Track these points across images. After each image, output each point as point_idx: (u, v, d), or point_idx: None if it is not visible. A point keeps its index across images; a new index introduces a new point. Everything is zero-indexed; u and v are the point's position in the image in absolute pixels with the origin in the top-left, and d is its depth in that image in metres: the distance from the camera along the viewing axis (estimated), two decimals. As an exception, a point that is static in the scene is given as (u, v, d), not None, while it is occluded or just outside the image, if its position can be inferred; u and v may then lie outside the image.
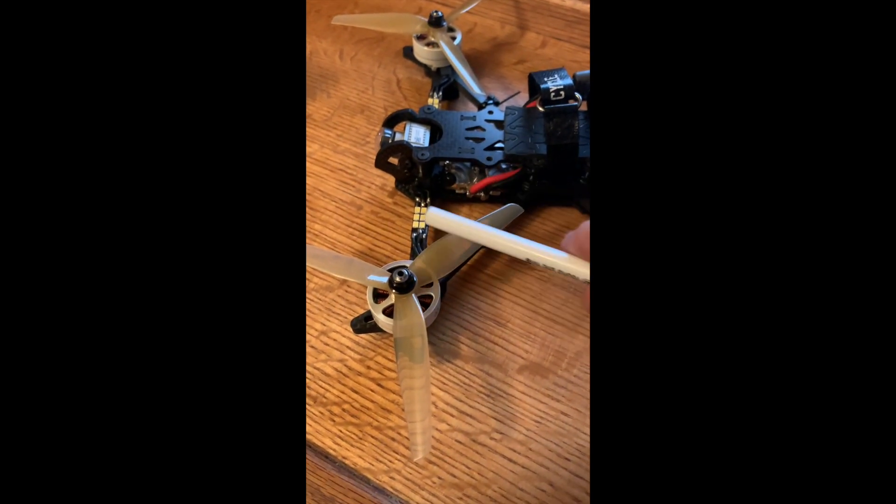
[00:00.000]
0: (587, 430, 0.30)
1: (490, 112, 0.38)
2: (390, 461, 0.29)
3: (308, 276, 0.36)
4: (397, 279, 0.30)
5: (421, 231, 0.35)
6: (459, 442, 0.30)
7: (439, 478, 0.29)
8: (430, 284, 0.31)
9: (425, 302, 0.31)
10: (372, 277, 0.31)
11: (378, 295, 0.31)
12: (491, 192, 0.37)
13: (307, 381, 0.32)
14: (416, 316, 0.29)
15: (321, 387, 0.32)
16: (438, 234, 0.38)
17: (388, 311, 0.30)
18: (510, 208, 0.34)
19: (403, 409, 0.29)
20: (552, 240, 0.37)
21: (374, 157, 0.37)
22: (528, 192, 0.37)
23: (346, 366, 0.33)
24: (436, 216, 0.27)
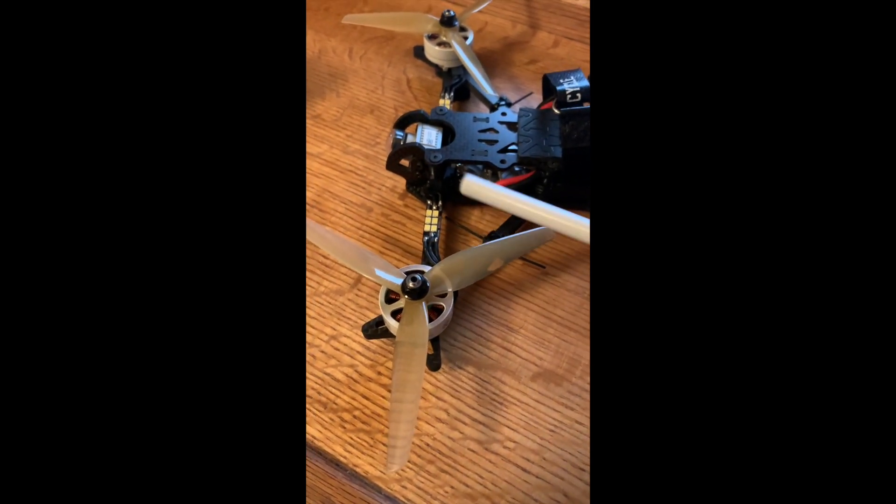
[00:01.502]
0: (602, 440, 0.29)
1: (503, 114, 0.38)
2: (402, 470, 0.29)
3: (318, 278, 0.36)
4: (410, 284, 0.29)
5: (433, 235, 0.35)
6: (472, 451, 0.29)
7: (452, 487, 0.28)
8: (445, 294, 0.30)
9: (438, 307, 0.30)
10: (383, 275, 0.30)
11: (390, 297, 0.31)
12: (504, 196, 0.37)
13: (317, 386, 0.32)
14: (421, 325, 0.29)
15: (331, 392, 0.31)
16: (450, 237, 0.37)
17: (398, 315, 0.30)
18: (541, 232, 0.32)
19: (388, 415, 0.28)
20: (566, 244, 0.37)
21: (385, 159, 0.37)
22: (541, 195, 0.36)
23: (356, 371, 0.32)
24: (472, 184, 0.25)
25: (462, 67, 0.43)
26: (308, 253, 0.37)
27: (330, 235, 0.32)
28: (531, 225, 0.37)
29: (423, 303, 0.29)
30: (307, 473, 0.30)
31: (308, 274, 0.36)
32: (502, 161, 0.35)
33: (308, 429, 0.30)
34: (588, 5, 0.49)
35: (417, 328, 0.28)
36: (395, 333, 0.31)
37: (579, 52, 0.48)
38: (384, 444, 0.30)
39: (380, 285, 0.31)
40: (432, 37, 0.44)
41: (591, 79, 0.36)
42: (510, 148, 0.36)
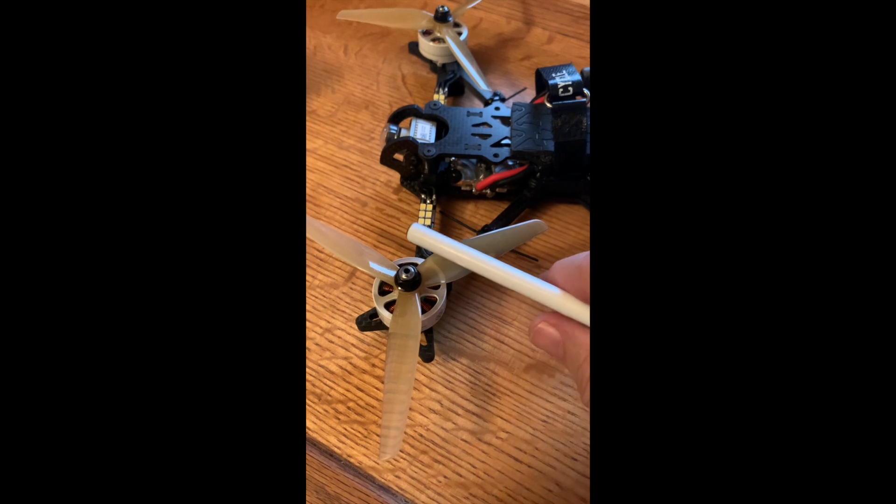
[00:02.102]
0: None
1: (497, 108, 0.38)
2: (396, 460, 0.29)
3: (313, 272, 0.36)
4: (403, 276, 0.29)
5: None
6: (465, 441, 0.29)
7: (445, 476, 0.29)
8: (438, 286, 0.31)
9: (431, 299, 0.30)
10: (377, 268, 0.30)
11: (383, 289, 0.31)
12: (497, 189, 0.37)
13: (312, 378, 0.32)
14: (414, 316, 0.29)
15: (326, 384, 0.32)
16: (444, 231, 0.37)
17: (391, 307, 0.30)
18: (534, 224, 0.32)
19: (382, 405, 0.28)
20: (558, 237, 0.37)
21: (379, 154, 0.37)
22: (534, 189, 0.36)
23: (350, 363, 0.32)
24: (420, 234, 0.24)
25: (456, 63, 0.43)
26: (303, 247, 0.37)
27: (325, 229, 0.32)
28: (522, 220, 0.37)
29: (416, 294, 0.29)
30: (301, 464, 0.30)
31: (303, 267, 0.36)
32: (495, 155, 0.36)
33: (302, 420, 0.31)
34: (582, 2, 0.50)
35: (410, 319, 0.29)
36: (388, 325, 0.31)
37: (574, 49, 0.49)
38: (378, 435, 0.30)
39: (374, 278, 0.31)
40: (426, 32, 0.45)
41: (591, 71, 0.36)
42: (503, 142, 0.36)
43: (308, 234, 0.31)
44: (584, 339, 0.23)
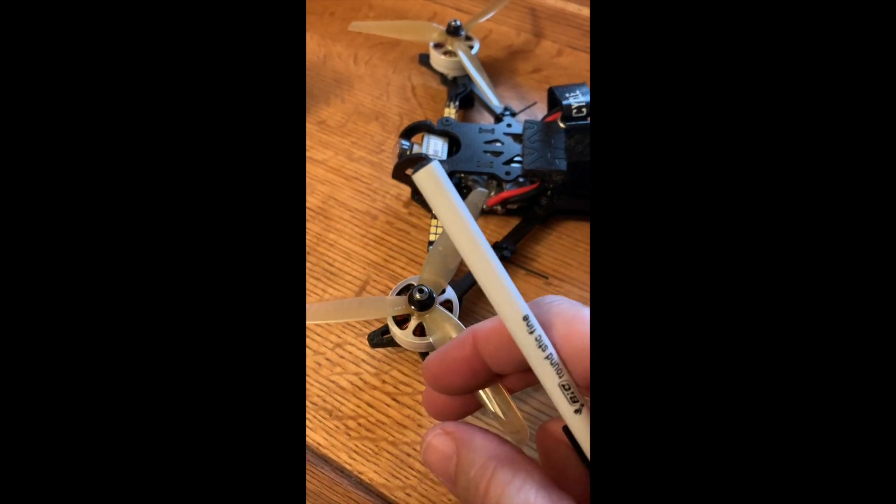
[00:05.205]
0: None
1: (508, 125, 0.38)
2: (406, 477, 0.29)
3: (324, 286, 0.36)
4: (417, 296, 0.29)
5: (438, 244, 0.35)
6: (475, 459, 0.30)
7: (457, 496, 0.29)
8: (444, 291, 0.31)
9: (447, 307, 0.31)
10: (392, 310, 0.31)
11: (398, 319, 0.31)
12: (508, 206, 0.37)
13: (323, 393, 0.32)
14: (450, 320, 0.30)
15: (336, 400, 0.32)
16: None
17: (404, 325, 0.30)
18: (476, 194, 0.34)
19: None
20: (568, 254, 0.37)
21: (390, 167, 0.37)
22: (545, 206, 0.37)
23: (361, 379, 0.33)
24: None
25: (467, 76, 0.43)
26: (313, 260, 0.37)
27: (325, 306, 0.32)
28: (532, 236, 0.37)
29: (438, 306, 0.30)
30: (313, 480, 0.30)
31: (313, 281, 0.36)
32: (507, 173, 0.36)
33: (313, 436, 0.31)
34: (592, 15, 0.50)
35: (451, 323, 0.30)
36: (400, 343, 0.31)
37: (583, 63, 0.49)
38: (388, 453, 0.30)
39: (387, 291, 0.31)
40: (438, 45, 0.45)
41: (591, 91, 0.36)
42: (515, 159, 0.36)
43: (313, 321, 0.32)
44: (484, 442, 0.20)
